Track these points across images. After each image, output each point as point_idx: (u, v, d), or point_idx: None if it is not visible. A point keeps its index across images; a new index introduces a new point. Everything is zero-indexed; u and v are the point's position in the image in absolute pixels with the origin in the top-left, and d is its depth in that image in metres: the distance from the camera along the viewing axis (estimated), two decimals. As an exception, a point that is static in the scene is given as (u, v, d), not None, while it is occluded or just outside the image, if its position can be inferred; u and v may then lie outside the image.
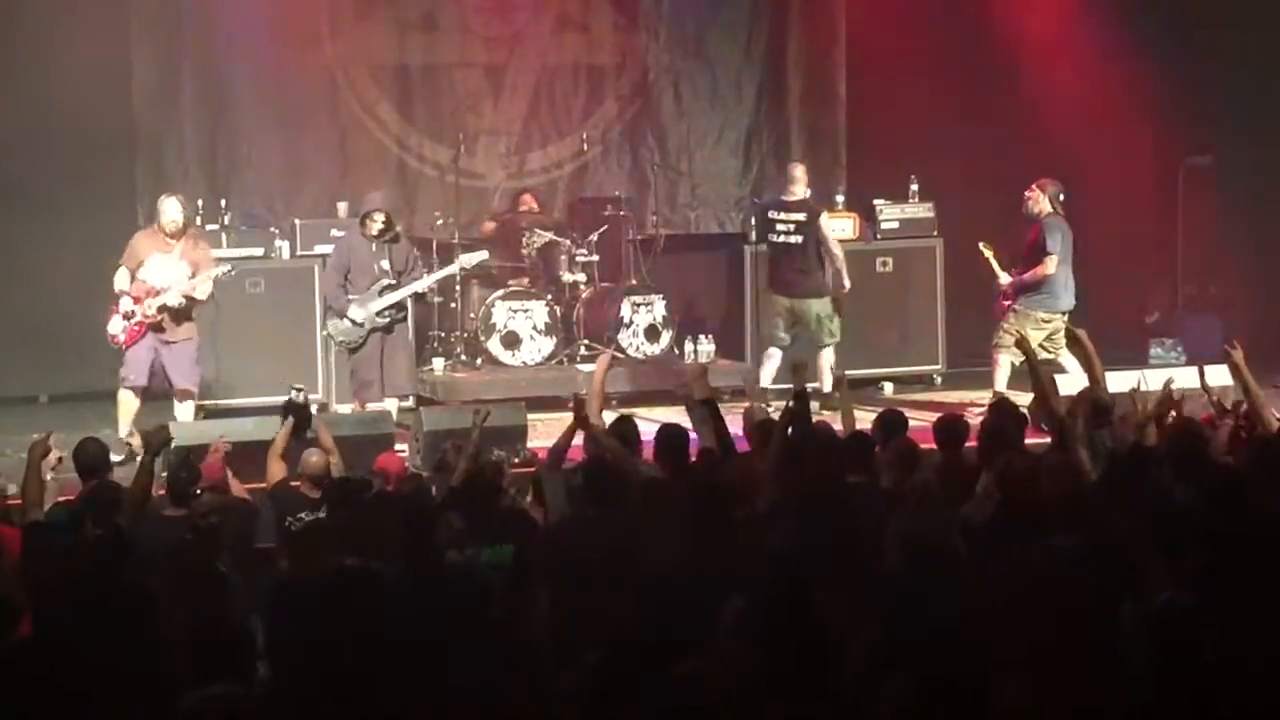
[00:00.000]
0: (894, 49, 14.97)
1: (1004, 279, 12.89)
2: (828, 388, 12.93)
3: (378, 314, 12.27)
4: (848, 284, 13.39)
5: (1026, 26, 15.16)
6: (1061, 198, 12.86)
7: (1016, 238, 13.07)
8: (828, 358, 13.28)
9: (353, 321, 12.26)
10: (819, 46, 15.40)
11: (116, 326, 11.74)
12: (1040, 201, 12.82)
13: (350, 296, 12.28)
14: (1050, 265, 12.66)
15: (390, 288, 12.30)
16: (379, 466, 9.18)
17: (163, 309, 11.73)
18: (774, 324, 13.42)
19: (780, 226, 13.31)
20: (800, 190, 13.36)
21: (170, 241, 11.82)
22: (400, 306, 12.36)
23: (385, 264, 12.36)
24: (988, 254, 12.95)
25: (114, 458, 10.73)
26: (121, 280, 11.75)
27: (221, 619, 6.29)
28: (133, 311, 11.70)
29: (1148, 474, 7.79)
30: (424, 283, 12.50)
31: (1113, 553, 6.57)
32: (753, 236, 14.11)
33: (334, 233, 13.24)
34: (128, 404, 11.80)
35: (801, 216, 13.26)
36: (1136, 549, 6.64)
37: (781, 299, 13.36)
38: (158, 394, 11.99)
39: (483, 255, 13.22)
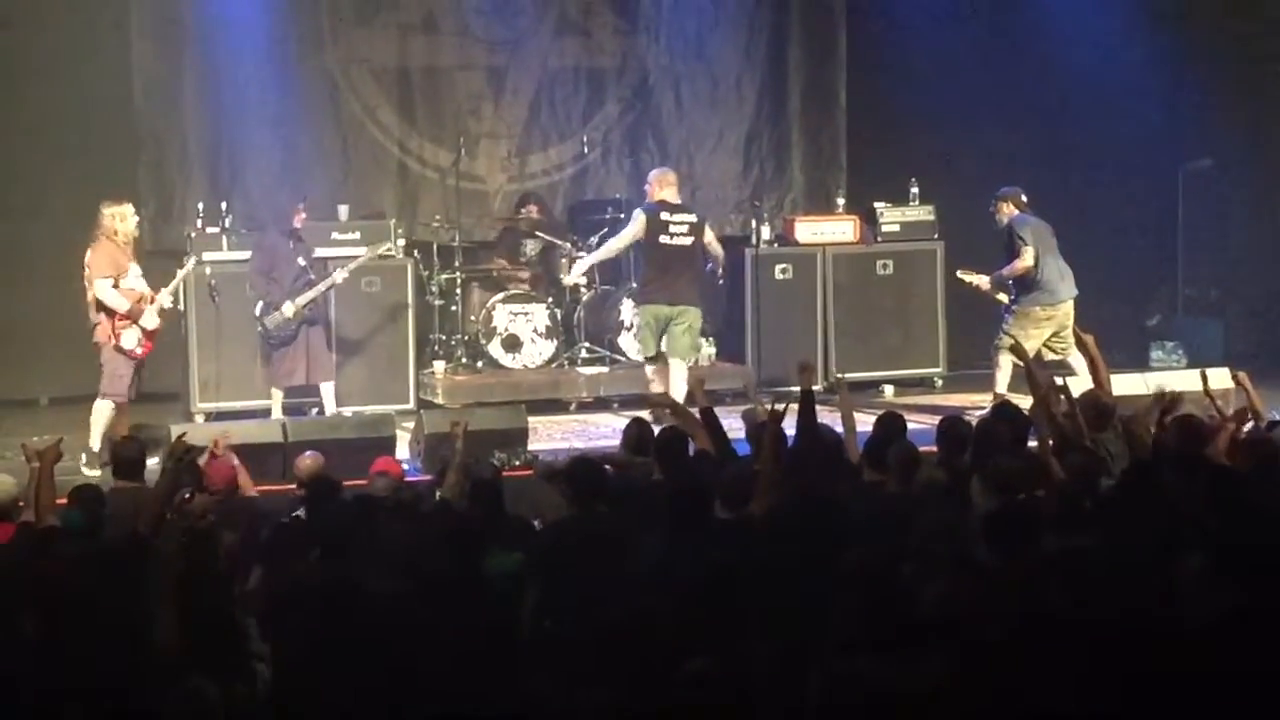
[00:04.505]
0: (894, 52, 15.00)
1: (984, 280, 12.90)
2: (680, 396, 11.71)
3: (304, 307, 12.42)
4: (722, 273, 13.08)
5: (1028, 30, 15.18)
6: (1023, 198, 12.87)
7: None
8: (681, 370, 12.55)
9: (285, 316, 12.38)
10: (819, 49, 15.42)
11: (132, 340, 11.60)
12: (1004, 210, 12.82)
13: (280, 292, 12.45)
14: (1027, 256, 12.62)
15: (310, 283, 12.49)
16: (376, 471, 9.18)
17: (161, 312, 11.73)
18: (647, 337, 12.71)
19: (674, 229, 12.68)
20: (678, 195, 12.87)
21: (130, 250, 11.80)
22: (315, 300, 12.52)
23: (302, 260, 12.56)
24: (969, 279, 12.98)
25: (88, 471, 10.78)
26: (115, 294, 11.55)
27: (218, 620, 6.32)
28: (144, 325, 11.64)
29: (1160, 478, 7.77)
30: (340, 275, 12.60)
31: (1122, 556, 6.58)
32: (661, 240, 12.69)
33: (280, 228, 12.94)
34: (109, 416, 11.63)
35: (693, 218, 12.80)
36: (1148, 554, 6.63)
37: (662, 307, 12.63)
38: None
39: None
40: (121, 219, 11.65)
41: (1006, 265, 12.73)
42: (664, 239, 12.67)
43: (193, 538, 7.21)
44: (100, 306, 11.57)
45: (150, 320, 11.63)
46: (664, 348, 12.70)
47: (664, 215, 12.69)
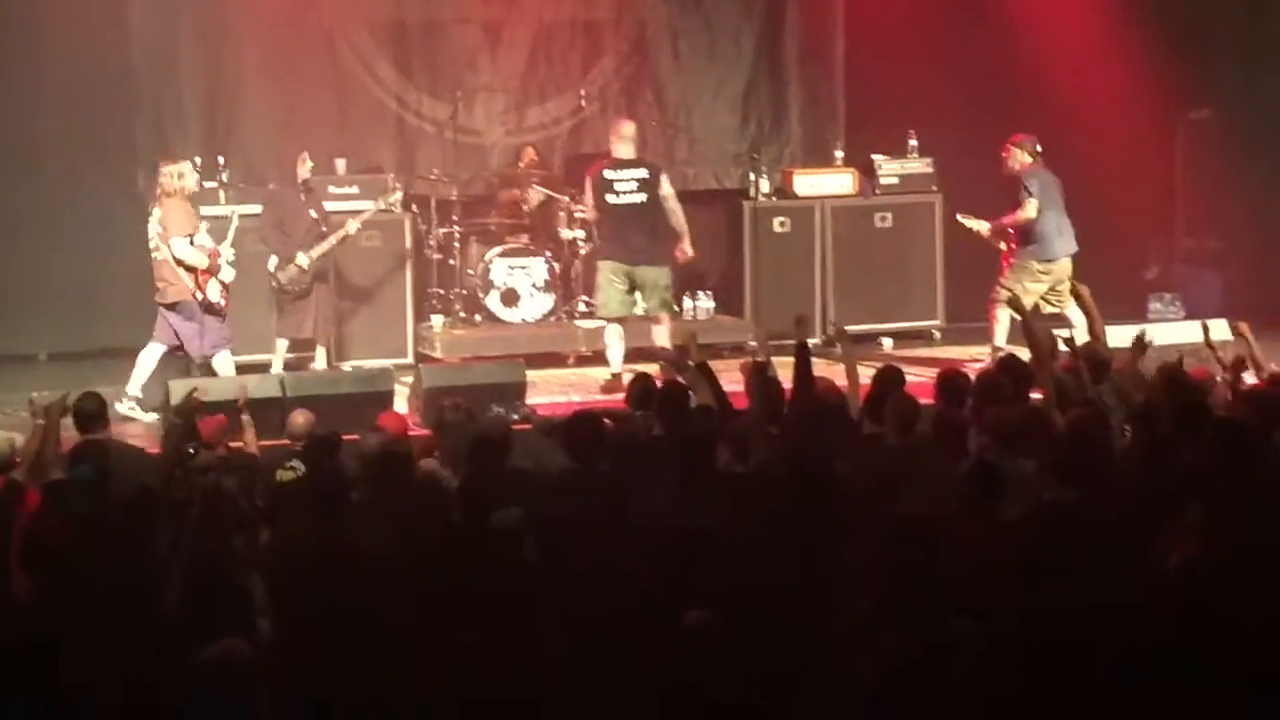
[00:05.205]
0: (892, 5, 14.93)
1: (984, 226, 12.90)
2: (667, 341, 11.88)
3: (318, 259, 12.48)
4: (690, 250, 12.57)
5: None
6: (1039, 149, 12.87)
7: (1013, 193, 13.05)
8: (663, 334, 12.33)
9: (300, 269, 12.41)
10: (818, 1, 15.35)
11: (216, 292, 11.74)
12: (1016, 157, 12.83)
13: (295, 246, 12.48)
14: (1029, 208, 12.63)
15: (323, 234, 12.52)
16: (380, 425, 9.20)
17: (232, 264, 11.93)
18: (612, 294, 12.38)
19: (620, 186, 12.35)
20: (632, 149, 12.56)
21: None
22: (328, 252, 12.56)
23: (313, 213, 12.59)
24: (969, 223, 12.97)
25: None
26: (194, 250, 11.63)
27: (221, 576, 6.34)
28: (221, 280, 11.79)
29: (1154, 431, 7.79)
30: (353, 226, 12.61)
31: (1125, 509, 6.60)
32: (607, 199, 12.44)
33: (282, 183, 13.00)
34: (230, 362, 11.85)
35: (643, 174, 12.43)
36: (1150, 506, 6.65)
37: (621, 265, 12.35)
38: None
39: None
40: (180, 176, 11.78)
41: (1009, 215, 12.75)
42: (610, 198, 12.44)
43: (199, 494, 7.25)
44: (179, 264, 11.62)
45: (228, 274, 11.78)
46: (642, 308, 12.51)
47: (607, 173, 12.44)
